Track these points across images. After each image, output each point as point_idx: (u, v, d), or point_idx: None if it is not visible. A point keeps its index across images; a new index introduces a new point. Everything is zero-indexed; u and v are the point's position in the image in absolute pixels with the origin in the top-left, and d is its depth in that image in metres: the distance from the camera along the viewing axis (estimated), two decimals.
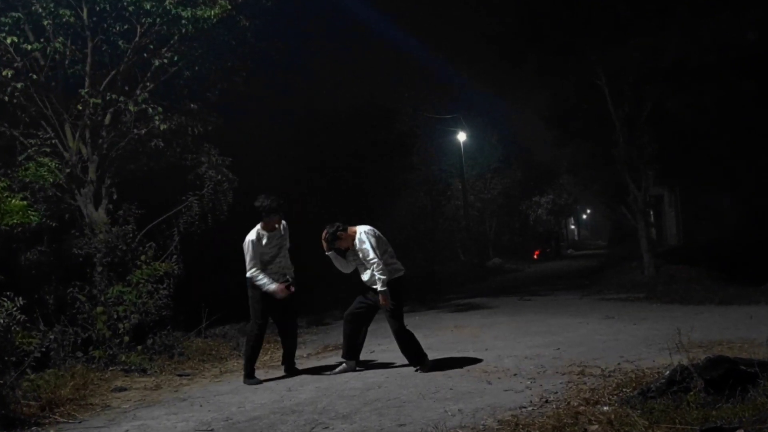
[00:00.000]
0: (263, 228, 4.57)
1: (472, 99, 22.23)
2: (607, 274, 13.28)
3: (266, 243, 4.56)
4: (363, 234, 4.37)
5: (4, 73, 5.67)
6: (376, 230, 4.50)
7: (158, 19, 6.12)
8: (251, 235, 4.54)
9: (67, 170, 6.16)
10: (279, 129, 10.24)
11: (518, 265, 20.64)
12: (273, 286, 4.47)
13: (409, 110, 15.85)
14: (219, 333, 6.78)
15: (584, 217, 59.38)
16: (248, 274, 4.50)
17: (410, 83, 16.87)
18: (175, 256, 6.27)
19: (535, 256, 24.48)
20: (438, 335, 6.37)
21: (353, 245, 4.41)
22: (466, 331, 6.55)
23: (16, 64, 5.80)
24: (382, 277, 4.27)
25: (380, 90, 13.89)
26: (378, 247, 4.35)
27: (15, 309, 3.98)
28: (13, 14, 5.75)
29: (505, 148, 23.40)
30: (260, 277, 4.46)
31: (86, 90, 6.05)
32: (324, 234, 4.47)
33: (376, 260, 4.28)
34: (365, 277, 4.45)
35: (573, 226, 52.79)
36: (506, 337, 5.82)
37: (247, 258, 4.50)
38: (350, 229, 4.48)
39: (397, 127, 14.10)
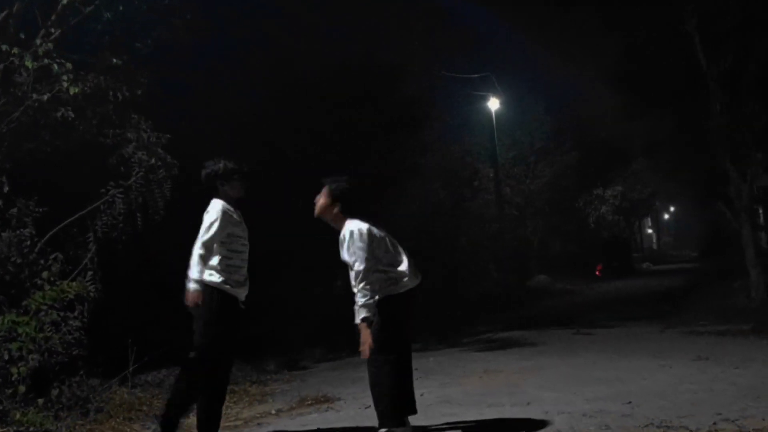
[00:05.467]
0: (228, 201, 4.43)
1: (510, 52, 22.21)
2: (698, 297, 13.31)
3: (238, 221, 4.44)
4: (355, 229, 4.24)
5: None
6: (375, 230, 4.33)
7: None
8: (215, 207, 4.34)
9: None
10: (240, 94, 10.21)
11: (573, 285, 20.69)
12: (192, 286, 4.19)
13: (420, 68, 15.75)
14: (152, 381, 6.75)
15: (666, 217, 59.37)
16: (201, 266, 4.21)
17: (423, 30, 16.76)
18: (90, 273, 6.25)
19: (598, 273, 24.51)
20: (461, 384, 6.35)
21: (341, 236, 4.32)
22: (500, 377, 6.56)
23: None
24: (365, 300, 4.11)
25: (381, 41, 13.81)
26: (371, 253, 4.21)
27: None
28: None
29: (555, 122, 23.37)
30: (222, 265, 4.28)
31: None
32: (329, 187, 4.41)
33: (361, 272, 4.13)
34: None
35: (650, 230, 52.82)
36: (556, 387, 5.82)
37: (211, 232, 4.26)
38: (337, 210, 4.40)
39: (403, 91, 14.04)
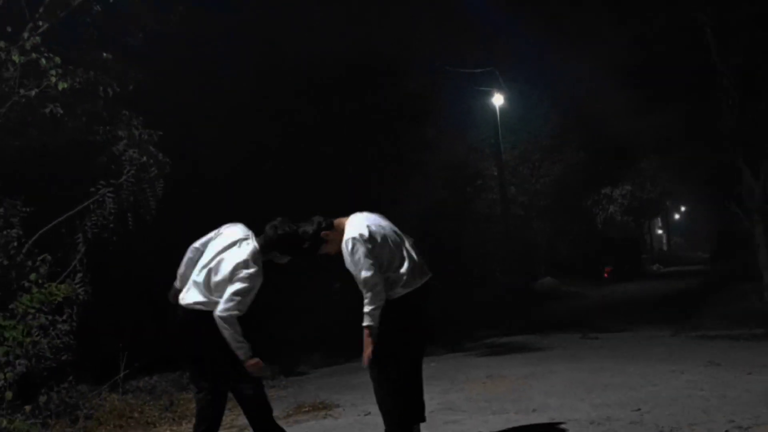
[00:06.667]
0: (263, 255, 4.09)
1: (515, 46, 22.11)
2: (710, 300, 13.32)
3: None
4: (356, 234, 4.07)
5: None
6: (373, 224, 4.20)
7: None
8: (250, 251, 3.96)
9: None
10: (232, 89, 10.22)
11: (581, 288, 20.77)
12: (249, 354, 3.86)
13: (421, 61, 15.76)
14: (144, 387, 6.77)
15: (677, 217, 59.35)
16: (224, 313, 3.79)
17: (425, 23, 16.76)
18: (79, 275, 6.25)
19: (606, 275, 24.55)
20: (464, 390, 6.37)
21: (342, 246, 4.13)
22: (504, 383, 6.57)
23: None
24: (371, 308, 4.00)
25: (381, 34, 13.80)
26: (374, 257, 4.07)
27: None
28: None
29: (561, 118, 23.36)
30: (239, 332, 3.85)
31: None
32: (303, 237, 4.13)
33: (368, 280, 4.00)
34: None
35: (660, 231, 52.82)
36: (563, 393, 5.83)
37: (236, 289, 3.83)
38: (338, 222, 4.21)
39: (404, 85, 14.06)
